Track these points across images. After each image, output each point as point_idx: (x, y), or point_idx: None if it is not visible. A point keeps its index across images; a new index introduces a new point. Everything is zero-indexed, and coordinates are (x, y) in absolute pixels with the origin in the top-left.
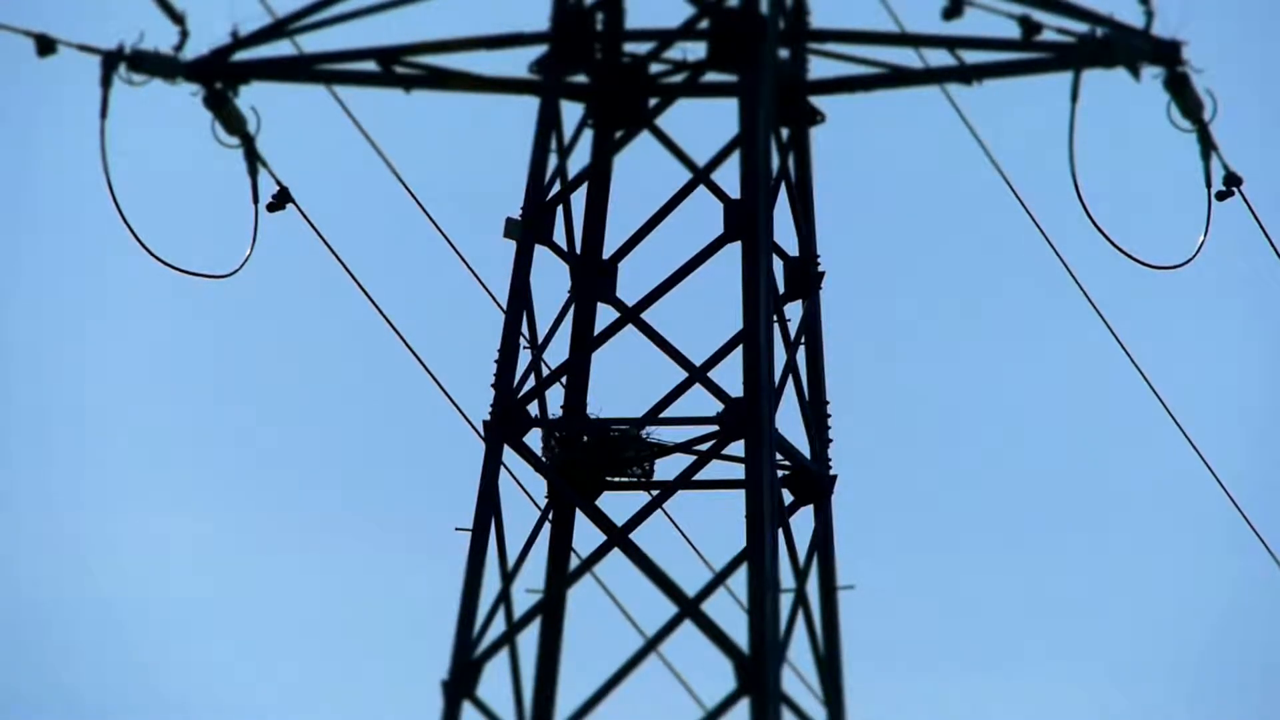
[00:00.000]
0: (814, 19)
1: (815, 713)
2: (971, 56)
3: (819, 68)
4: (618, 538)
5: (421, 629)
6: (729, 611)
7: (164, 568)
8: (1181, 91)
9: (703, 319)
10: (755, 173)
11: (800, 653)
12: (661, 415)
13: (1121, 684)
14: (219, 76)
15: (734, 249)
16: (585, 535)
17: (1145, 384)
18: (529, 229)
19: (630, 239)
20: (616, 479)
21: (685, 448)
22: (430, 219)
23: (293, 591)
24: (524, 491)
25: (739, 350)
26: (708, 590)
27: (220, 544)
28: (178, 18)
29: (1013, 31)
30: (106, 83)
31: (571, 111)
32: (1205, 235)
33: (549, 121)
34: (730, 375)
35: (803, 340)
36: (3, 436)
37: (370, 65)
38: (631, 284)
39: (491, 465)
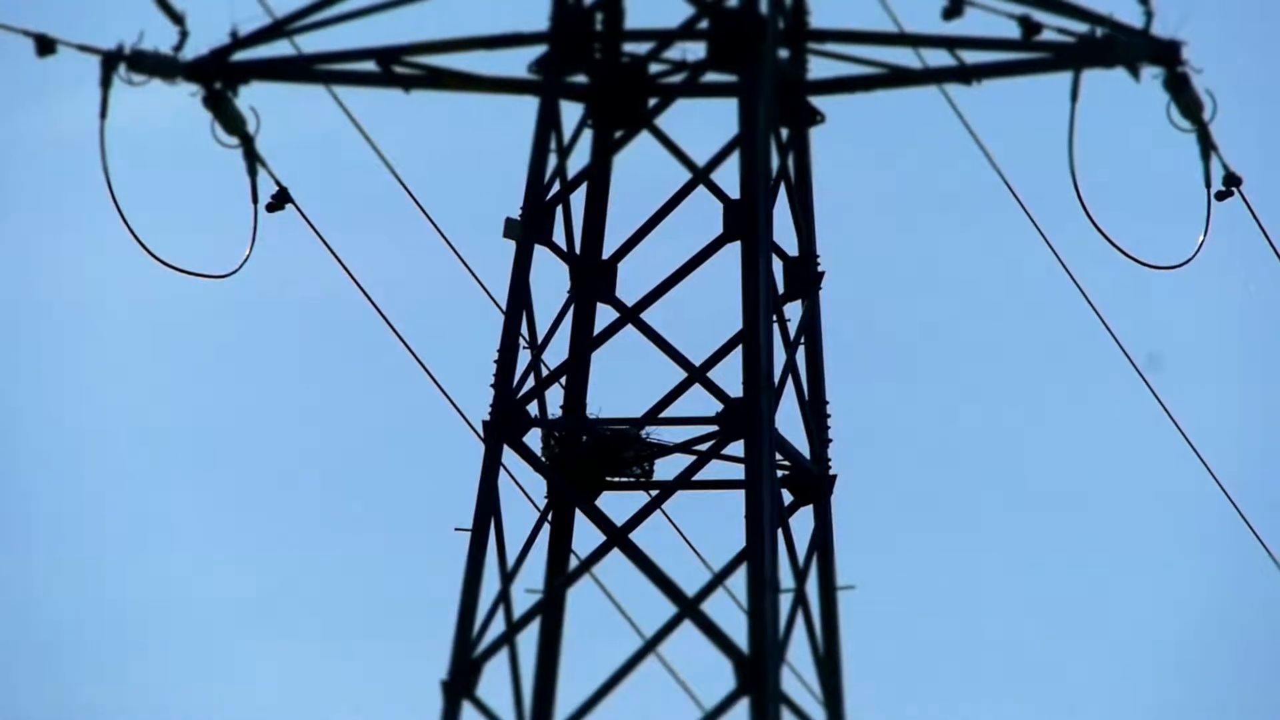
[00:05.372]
0: (814, 19)
1: (815, 713)
2: (971, 56)
3: (819, 68)
4: (617, 538)
5: (421, 629)
6: (728, 612)
7: (162, 566)
8: (1181, 91)
9: (702, 319)
10: (755, 173)
11: (800, 653)
12: (661, 415)
13: (1122, 684)
14: (218, 77)
15: (734, 249)
16: (585, 535)
17: (1144, 384)
18: (528, 229)
19: (630, 239)
20: (616, 479)
21: (685, 448)
22: (430, 219)
23: (292, 591)
24: (523, 492)
25: (739, 350)
26: (707, 590)
27: (218, 542)
28: (177, 18)
29: (1012, 31)
30: (106, 83)
31: (571, 111)
32: (1205, 235)
33: (549, 122)
34: (730, 375)
35: (802, 340)
36: (3, 437)
37: (370, 65)
38: (631, 284)
39: (491, 465)
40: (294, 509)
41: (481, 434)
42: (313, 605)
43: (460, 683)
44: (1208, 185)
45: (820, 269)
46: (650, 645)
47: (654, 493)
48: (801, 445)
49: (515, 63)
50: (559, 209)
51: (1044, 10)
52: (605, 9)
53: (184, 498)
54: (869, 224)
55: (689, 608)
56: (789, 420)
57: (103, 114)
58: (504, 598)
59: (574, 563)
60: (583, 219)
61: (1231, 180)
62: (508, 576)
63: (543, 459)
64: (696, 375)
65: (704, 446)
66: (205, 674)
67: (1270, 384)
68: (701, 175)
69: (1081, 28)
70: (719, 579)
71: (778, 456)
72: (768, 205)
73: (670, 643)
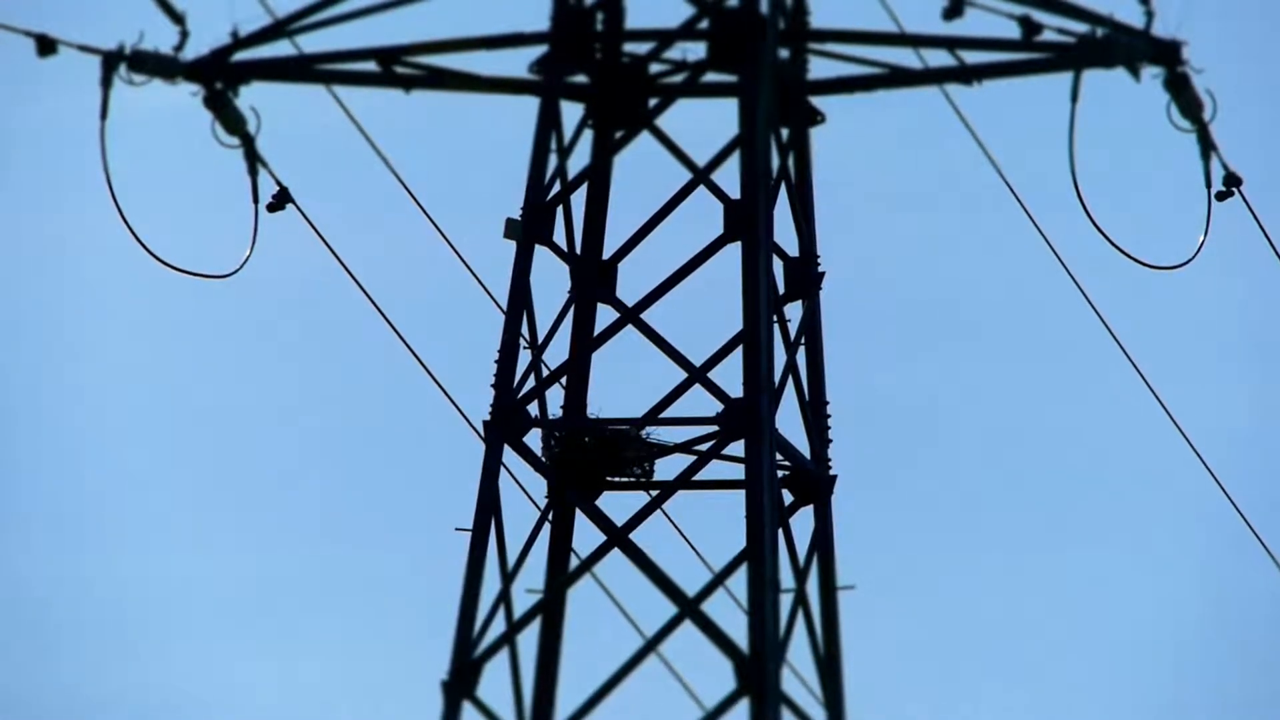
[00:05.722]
0: (814, 19)
1: (815, 713)
2: (971, 56)
3: (819, 68)
4: (618, 538)
5: (421, 629)
6: (729, 611)
7: (162, 564)
8: (1181, 91)
9: (703, 319)
10: (755, 173)
11: (800, 653)
12: (661, 415)
13: (1121, 684)
14: (219, 77)
15: (734, 249)
16: (585, 535)
17: (1144, 384)
18: (529, 229)
19: (630, 239)
20: (616, 479)
21: (685, 448)
22: (430, 219)
23: (292, 590)
24: (524, 491)
25: (739, 350)
26: (707, 590)
27: (219, 542)
28: (178, 18)
29: (1013, 32)
30: (106, 83)
31: (571, 111)
32: (1205, 235)
33: (549, 121)
34: (730, 375)
35: (803, 340)
36: (2, 435)
37: (370, 65)
38: (631, 284)
39: (491, 465)
40: (294, 508)
41: (481, 434)
42: (313, 605)
43: (460, 683)
44: (1208, 185)
45: (820, 269)
46: (650, 645)
47: (654, 493)
48: (801, 445)
49: (515, 63)
50: (559, 209)
51: (1044, 10)
52: (605, 9)
53: (184, 496)
54: (869, 224)
55: (689, 608)
56: (789, 420)
57: (103, 115)
58: (504, 598)
59: (574, 563)
60: (583, 219)
61: (1231, 180)
62: (508, 576)
63: (543, 459)
64: (697, 375)
65: (704, 446)
66: (205, 673)
67: (1270, 384)
68: (702, 175)
69: (1081, 28)
70: (719, 579)
71: (778, 456)
72: (768, 205)
73: (670, 643)
